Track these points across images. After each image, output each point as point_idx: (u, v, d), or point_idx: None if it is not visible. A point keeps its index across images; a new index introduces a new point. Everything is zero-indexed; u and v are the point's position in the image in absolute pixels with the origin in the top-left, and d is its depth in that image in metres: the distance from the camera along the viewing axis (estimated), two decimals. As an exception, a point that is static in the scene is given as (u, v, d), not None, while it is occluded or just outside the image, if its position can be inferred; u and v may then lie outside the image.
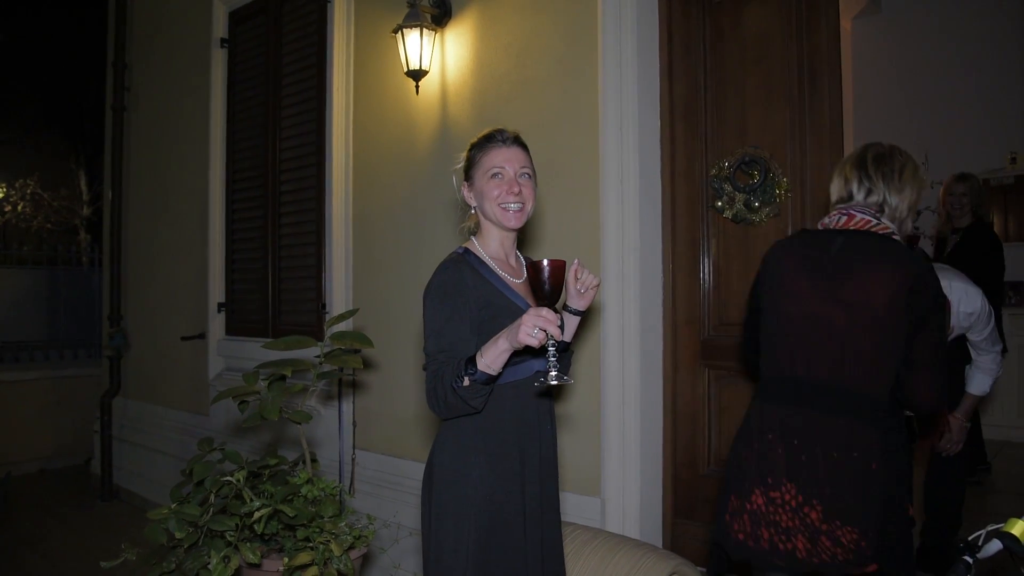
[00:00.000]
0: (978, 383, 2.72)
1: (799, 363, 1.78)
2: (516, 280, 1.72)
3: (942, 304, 1.71)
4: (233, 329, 4.35)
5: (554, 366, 1.45)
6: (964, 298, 2.52)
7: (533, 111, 2.86)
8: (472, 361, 1.48)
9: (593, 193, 2.71)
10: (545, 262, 1.46)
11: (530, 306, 1.63)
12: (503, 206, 1.67)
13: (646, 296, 2.69)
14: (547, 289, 1.47)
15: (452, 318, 1.58)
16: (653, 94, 2.76)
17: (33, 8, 11.55)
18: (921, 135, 5.52)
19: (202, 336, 4.41)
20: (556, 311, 1.48)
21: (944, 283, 2.42)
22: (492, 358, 1.47)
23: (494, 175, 1.68)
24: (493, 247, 1.74)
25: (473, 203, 1.75)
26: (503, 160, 1.69)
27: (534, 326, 1.39)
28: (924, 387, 1.68)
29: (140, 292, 5.06)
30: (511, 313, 1.60)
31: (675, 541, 2.75)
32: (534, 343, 1.40)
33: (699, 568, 2.23)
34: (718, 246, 2.71)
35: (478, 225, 1.76)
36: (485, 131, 1.74)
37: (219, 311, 4.39)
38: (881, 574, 1.72)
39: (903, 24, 5.92)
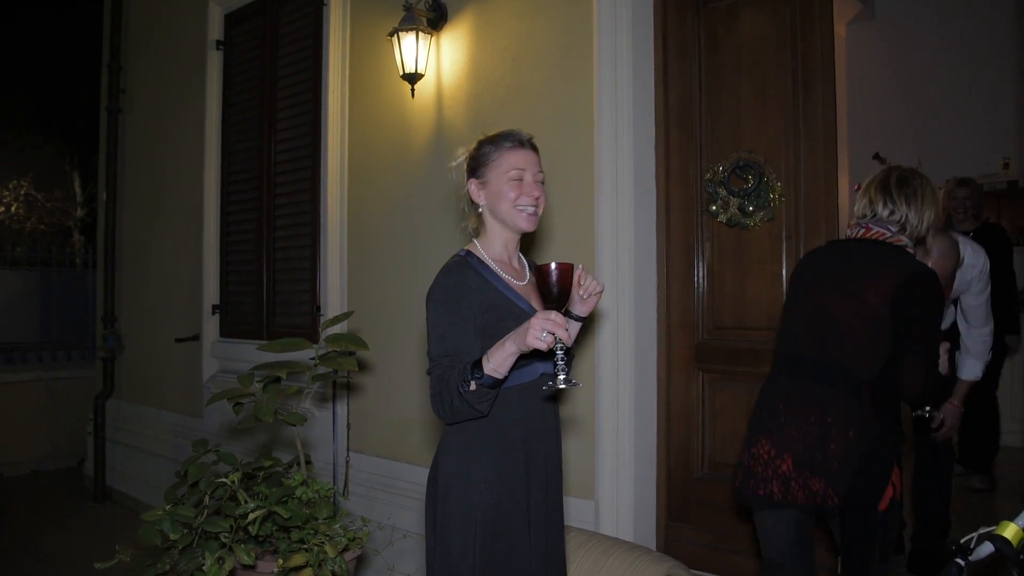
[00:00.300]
0: (969, 368, 2.79)
1: (802, 343, 2.03)
2: (519, 283, 1.70)
3: (934, 305, 1.89)
4: (227, 331, 4.34)
5: (562, 369, 1.45)
6: (970, 251, 2.68)
7: (529, 115, 2.87)
8: (478, 365, 1.47)
9: (588, 197, 2.72)
10: (553, 265, 1.45)
11: (534, 309, 1.63)
12: (520, 208, 1.65)
13: (641, 299, 2.70)
14: (555, 292, 1.47)
15: (456, 322, 1.57)
16: (648, 99, 2.77)
17: (27, 9, 11.52)
18: (915, 140, 5.55)
19: (196, 338, 4.40)
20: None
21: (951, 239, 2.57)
22: (499, 362, 1.46)
23: (514, 177, 1.65)
24: (496, 249, 1.71)
25: (482, 202, 1.70)
26: (524, 162, 1.66)
27: (542, 329, 1.39)
28: (912, 376, 1.90)
29: (134, 294, 5.05)
30: (515, 316, 1.59)
31: (669, 544, 2.75)
32: (543, 346, 1.40)
33: (693, 571, 2.23)
34: (712, 250, 2.72)
35: (480, 226, 1.73)
36: (498, 130, 1.71)
37: (213, 313, 4.38)
38: (843, 517, 1.95)
39: (897, 30, 5.95)
